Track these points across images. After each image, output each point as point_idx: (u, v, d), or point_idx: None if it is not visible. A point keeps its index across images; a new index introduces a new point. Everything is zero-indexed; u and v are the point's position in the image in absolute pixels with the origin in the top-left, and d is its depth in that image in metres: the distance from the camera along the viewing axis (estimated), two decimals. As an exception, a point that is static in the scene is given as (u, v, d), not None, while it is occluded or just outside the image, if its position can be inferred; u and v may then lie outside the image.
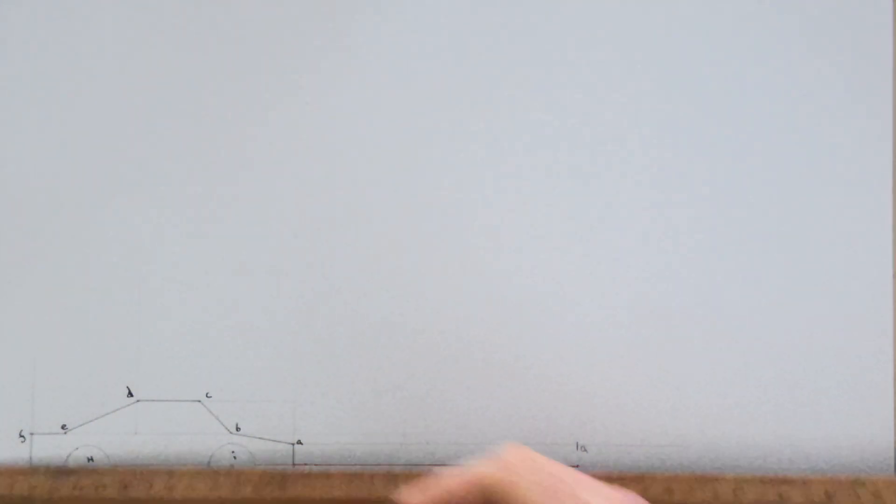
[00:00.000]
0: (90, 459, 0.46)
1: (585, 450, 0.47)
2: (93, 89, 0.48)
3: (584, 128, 0.48)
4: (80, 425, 0.46)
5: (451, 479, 0.37)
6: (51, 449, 0.47)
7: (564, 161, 0.48)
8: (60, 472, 0.46)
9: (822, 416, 0.47)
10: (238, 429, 0.47)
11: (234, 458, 0.47)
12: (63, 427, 0.46)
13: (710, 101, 0.48)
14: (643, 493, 0.44)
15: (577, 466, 0.41)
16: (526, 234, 0.48)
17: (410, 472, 0.46)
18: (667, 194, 0.48)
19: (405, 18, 0.48)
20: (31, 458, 0.46)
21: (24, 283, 0.47)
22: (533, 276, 0.48)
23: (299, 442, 0.47)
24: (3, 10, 0.48)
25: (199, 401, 0.47)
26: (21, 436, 0.46)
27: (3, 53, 0.48)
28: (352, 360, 0.47)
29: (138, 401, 0.46)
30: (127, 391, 0.47)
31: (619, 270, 0.48)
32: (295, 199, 0.48)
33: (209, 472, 0.46)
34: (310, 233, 0.48)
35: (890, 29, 0.48)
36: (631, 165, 0.48)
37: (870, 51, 0.48)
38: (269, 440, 0.47)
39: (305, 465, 0.47)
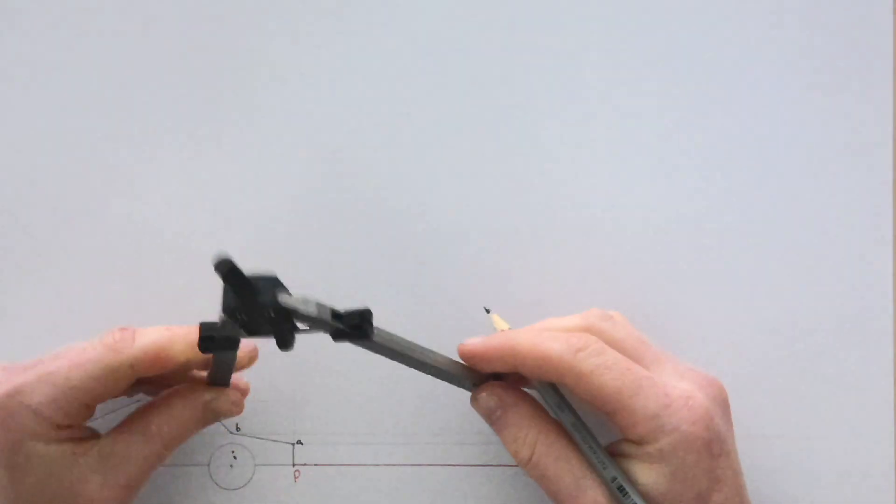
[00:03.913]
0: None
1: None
2: (90, 90, 0.48)
3: (585, 127, 0.48)
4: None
5: (523, 341, 0.38)
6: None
7: (564, 160, 0.48)
8: None
9: (822, 416, 0.47)
10: (238, 429, 0.47)
11: (234, 457, 0.47)
12: (63, 427, 0.46)
13: (709, 101, 0.48)
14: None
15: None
16: (526, 234, 0.48)
17: (413, 469, 0.46)
18: (666, 195, 0.48)
19: (406, 14, 0.48)
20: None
21: (24, 282, 0.47)
22: (531, 276, 0.48)
23: (299, 442, 0.47)
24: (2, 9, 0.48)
25: (200, 401, 0.47)
26: (21, 436, 0.46)
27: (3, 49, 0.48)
28: (352, 360, 0.47)
29: (138, 401, 0.46)
30: (127, 391, 0.47)
31: (620, 269, 0.48)
32: (289, 198, 0.48)
33: None
34: (307, 232, 0.48)
35: (890, 29, 0.48)
36: (628, 164, 0.48)
37: (870, 51, 0.48)
38: (269, 440, 0.47)
39: (305, 464, 0.47)
